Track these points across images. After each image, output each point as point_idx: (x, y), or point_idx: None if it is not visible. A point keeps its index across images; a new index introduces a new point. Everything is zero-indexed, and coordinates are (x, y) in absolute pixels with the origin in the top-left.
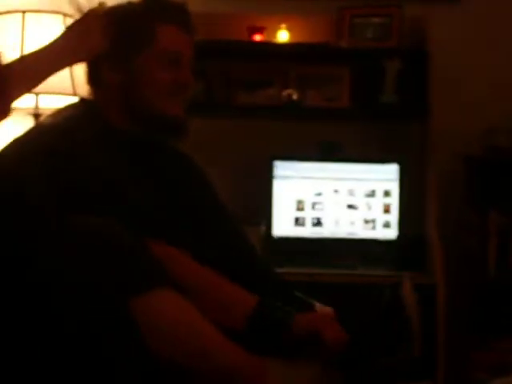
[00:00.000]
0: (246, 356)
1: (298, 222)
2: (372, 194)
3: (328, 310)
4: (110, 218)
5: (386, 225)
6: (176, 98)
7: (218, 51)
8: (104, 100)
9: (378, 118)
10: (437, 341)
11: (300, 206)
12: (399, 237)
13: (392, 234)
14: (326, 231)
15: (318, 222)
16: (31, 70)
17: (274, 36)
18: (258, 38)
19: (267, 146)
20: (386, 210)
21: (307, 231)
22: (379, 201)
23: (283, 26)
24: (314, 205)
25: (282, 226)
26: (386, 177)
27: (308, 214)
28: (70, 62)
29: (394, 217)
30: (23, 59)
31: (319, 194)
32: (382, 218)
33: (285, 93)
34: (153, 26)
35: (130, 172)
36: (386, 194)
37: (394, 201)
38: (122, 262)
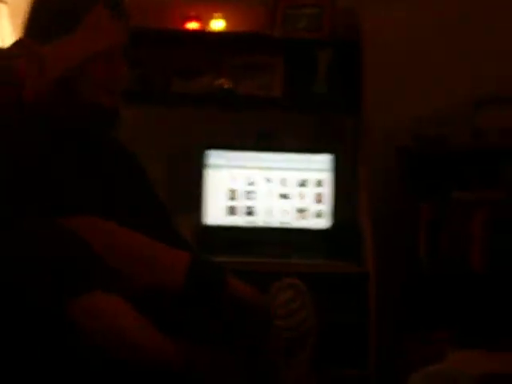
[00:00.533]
0: (177, 351)
1: (231, 211)
2: (304, 183)
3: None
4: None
5: (319, 214)
6: (111, 93)
7: (153, 39)
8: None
9: (311, 108)
10: (368, 330)
11: (233, 195)
12: (332, 226)
13: (324, 223)
14: (258, 220)
15: (250, 212)
16: (64, 53)
17: (209, 24)
18: (193, 26)
19: (201, 135)
20: (319, 199)
21: (240, 220)
22: (312, 190)
23: (218, 14)
24: (246, 194)
25: (215, 214)
26: (318, 167)
27: (241, 203)
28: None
29: (326, 207)
30: (55, 45)
31: (252, 184)
32: (314, 207)
33: (218, 81)
34: (84, 9)
35: (61, 159)
36: (319, 183)
37: (327, 191)
38: (58, 262)
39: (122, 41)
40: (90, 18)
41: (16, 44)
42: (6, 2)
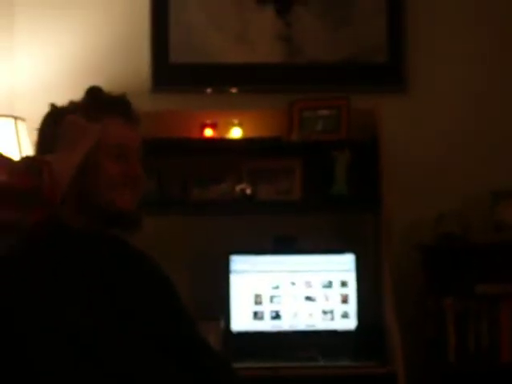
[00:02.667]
0: None
1: (257, 315)
2: (329, 284)
3: None
4: None
5: (344, 315)
6: (125, 189)
7: (170, 148)
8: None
9: (331, 209)
10: None
11: (258, 300)
12: (358, 327)
13: (351, 324)
14: (284, 324)
15: (276, 315)
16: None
17: (227, 131)
18: (209, 133)
19: (222, 241)
20: (344, 300)
21: (266, 325)
22: (336, 291)
23: (235, 121)
24: (271, 298)
25: (241, 320)
26: (342, 267)
27: (266, 308)
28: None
29: (351, 307)
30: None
31: (276, 287)
32: (339, 308)
33: (238, 188)
34: (97, 119)
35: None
36: (343, 284)
37: (352, 291)
38: None
39: (136, 145)
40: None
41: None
42: (24, 119)
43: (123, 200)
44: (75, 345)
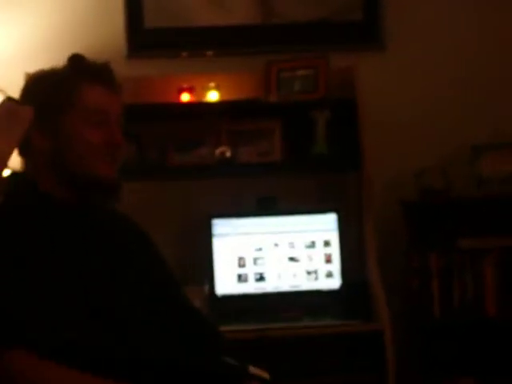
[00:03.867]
0: None
1: (241, 278)
2: (312, 245)
3: (264, 373)
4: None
5: (329, 275)
6: (107, 158)
7: (148, 114)
8: (36, 169)
9: (312, 169)
10: None
11: (241, 263)
12: (342, 286)
13: (335, 283)
14: (269, 286)
15: (260, 277)
16: None
17: (204, 95)
18: (187, 98)
19: (204, 205)
20: (328, 259)
21: (251, 287)
22: (320, 251)
23: (212, 84)
24: (255, 260)
25: (225, 283)
26: (324, 227)
27: (250, 270)
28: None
29: (335, 266)
30: None
31: (260, 249)
32: (323, 268)
33: (217, 151)
34: (76, 86)
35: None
36: (326, 243)
37: (335, 250)
38: None
39: (117, 111)
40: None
41: None
42: (1, 90)
43: (105, 168)
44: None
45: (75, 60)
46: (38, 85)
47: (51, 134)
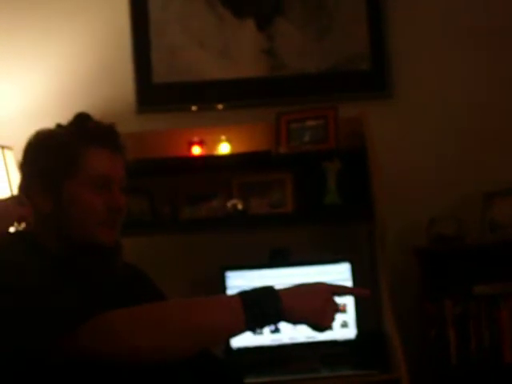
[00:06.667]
0: None
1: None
2: None
3: None
4: None
5: (344, 325)
6: (108, 223)
7: (159, 168)
8: (39, 228)
9: (324, 220)
10: None
11: None
12: (358, 335)
13: (350, 333)
14: (284, 337)
15: (276, 329)
16: None
17: (215, 148)
18: (197, 151)
19: (217, 258)
20: (343, 309)
21: (266, 339)
22: None
23: (223, 137)
24: None
25: (241, 336)
26: (338, 277)
27: None
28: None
29: (350, 316)
30: None
31: None
32: (339, 318)
33: (229, 203)
34: (81, 151)
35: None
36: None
37: (350, 300)
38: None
39: (120, 174)
40: None
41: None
42: (11, 148)
43: (105, 233)
44: None
45: (80, 120)
46: (43, 146)
47: (53, 197)
